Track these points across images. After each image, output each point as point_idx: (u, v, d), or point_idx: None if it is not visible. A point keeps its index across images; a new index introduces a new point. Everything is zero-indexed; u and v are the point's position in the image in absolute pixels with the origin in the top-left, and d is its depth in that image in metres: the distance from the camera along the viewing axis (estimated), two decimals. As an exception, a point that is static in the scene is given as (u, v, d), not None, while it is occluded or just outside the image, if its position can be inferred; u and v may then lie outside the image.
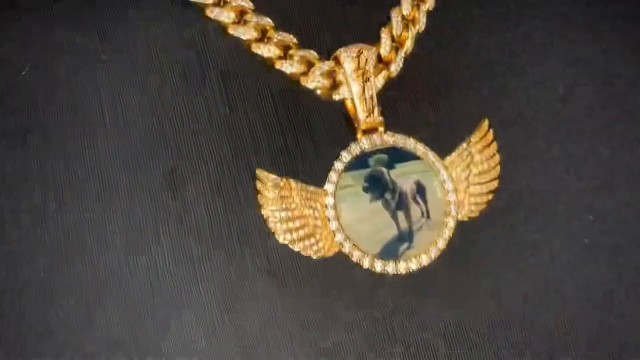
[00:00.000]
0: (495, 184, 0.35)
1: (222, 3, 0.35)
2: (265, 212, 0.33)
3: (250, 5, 0.35)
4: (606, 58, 0.37)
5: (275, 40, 0.35)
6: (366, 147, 0.34)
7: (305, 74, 0.34)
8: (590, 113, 0.37)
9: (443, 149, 0.35)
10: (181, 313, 0.34)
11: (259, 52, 0.34)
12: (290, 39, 0.35)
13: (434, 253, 0.34)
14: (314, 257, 0.33)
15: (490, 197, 0.35)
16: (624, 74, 0.37)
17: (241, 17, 0.35)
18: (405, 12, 0.35)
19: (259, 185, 0.33)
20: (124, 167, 0.34)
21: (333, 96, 0.34)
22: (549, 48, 0.37)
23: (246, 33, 0.35)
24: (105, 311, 0.34)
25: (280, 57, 0.35)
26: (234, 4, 0.35)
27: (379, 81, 0.35)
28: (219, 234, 0.34)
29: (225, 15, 0.34)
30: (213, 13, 0.35)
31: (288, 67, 0.34)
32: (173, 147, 0.35)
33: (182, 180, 0.34)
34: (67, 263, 0.34)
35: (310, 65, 0.35)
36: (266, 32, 0.35)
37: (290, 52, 0.35)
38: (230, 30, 0.34)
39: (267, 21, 0.35)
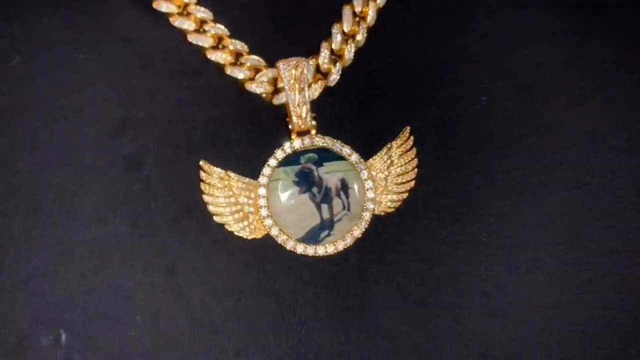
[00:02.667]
0: (411, 184, 0.40)
1: (185, 13, 0.40)
2: (206, 197, 0.39)
3: (210, 16, 0.40)
4: (529, 74, 0.42)
5: (229, 48, 0.40)
6: (298, 147, 0.39)
7: (252, 79, 0.40)
8: (507, 124, 0.42)
9: (368, 151, 0.40)
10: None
11: (213, 58, 0.40)
12: (242, 46, 0.40)
13: (349, 240, 0.39)
14: (246, 238, 0.39)
15: (405, 195, 0.40)
16: (545, 90, 0.42)
17: (201, 26, 0.40)
18: (345, 29, 0.41)
19: (202, 174, 0.39)
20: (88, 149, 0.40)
21: (273, 101, 0.40)
22: (480, 62, 0.42)
23: (204, 41, 0.40)
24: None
25: (232, 63, 0.40)
26: (197, 15, 0.40)
27: (317, 90, 0.40)
28: (169, 211, 0.40)
29: (187, 24, 0.40)
30: (176, 22, 0.40)
31: (238, 73, 0.40)
32: (133, 135, 0.40)
33: (139, 164, 0.40)
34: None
35: (257, 71, 0.40)
36: (222, 40, 0.40)
37: (241, 59, 0.40)
38: (189, 38, 0.40)
39: (224, 30, 0.40)
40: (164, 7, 0.40)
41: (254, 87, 0.40)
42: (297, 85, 0.39)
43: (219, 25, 0.40)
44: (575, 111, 0.42)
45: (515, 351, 0.40)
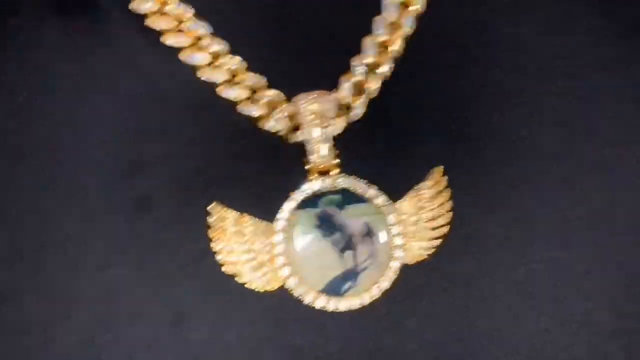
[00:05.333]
0: (445, 229, 0.36)
1: (198, 46, 0.37)
2: (216, 245, 0.35)
3: (226, 48, 0.37)
4: (573, 106, 0.38)
5: (245, 82, 0.37)
6: (318, 188, 0.36)
7: (267, 116, 0.36)
8: (551, 164, 0.38)
9: (396, 192, 0.36)
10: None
11: (225, 95, 0.36)
12: (259, 79, 0.37)
13: (375, 292, 0.35)
14: (259, 290, 0.35)
15: (438, 242, 0.36)
16: (591, 123, 0.38)
17: (215, 59, 0.37)
18: (366, 61, 0.37)
19: (213, 219, 0.35)
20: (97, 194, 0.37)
21: (290, 139, 0.36)
22: (513, 98, 0.38)
23: (218, 75, 0.37)
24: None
25: (247, 98, 0.37)
26: (211, 49, 0.37)
27: (340, 124, 0.37)
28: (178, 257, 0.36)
29: (197, 59, 0.37)
30: (185, 57, 0.37)
31: (251, 110, 0.37)
32: (143, 176, 0.37)
33: (149, 206, 0.37)
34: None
35: (274, 107, 0.37)
36: (237, 75, 0.37)
37: (257, 94, 0.37)
38: (200, 74, 0.37)
39: (240, 63, 0.37)
40: (172, 42, 0.37)
41: (271, 125, 0.36)
42: (317, 121, 0.36)
43: (234, 58, 0.37)
44: (626, 147, 0.38)
45: None
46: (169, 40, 0.36)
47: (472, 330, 0.36)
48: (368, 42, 0.37)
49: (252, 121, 0.36)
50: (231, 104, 0.37)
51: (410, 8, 0.37)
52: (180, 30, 0.37)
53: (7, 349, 0.36)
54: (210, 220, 0.35)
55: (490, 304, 0.37)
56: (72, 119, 0.37)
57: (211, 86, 0.37)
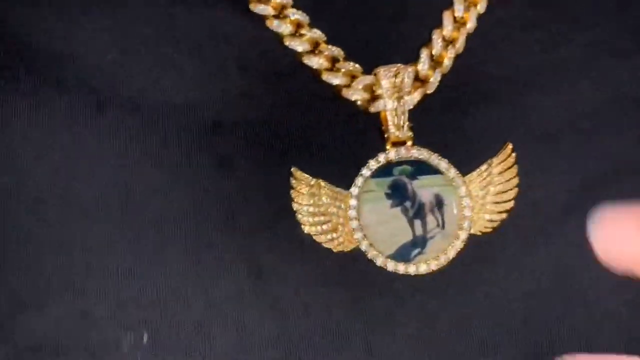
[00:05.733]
0: (511, 204, 0.38)
1: (282, 15, 0.39)
2: (295, 205, 0.37)
3: (307, 19, 0.39)
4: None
5: (325, 53, 0.38)
6: (392, 158, 0.37)
7: (347, 86, 0.38)
8: (619, 131, 0.39)
9: (467, 165, 0.38)
10: None
11: (309, 63, 0.38)
12: (338, 52, 0.38)
13: (443, 260, 0.37)
14: (334, 250, 0.37)
15: (504, 216, 0.38)
16: None
17: (297, 29, 0.39)
18: (446, 34, 0.39)
19: (293, 182, 0.37)
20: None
21: (370, 109, 0.38)
22: (582, 72, 0.40)
23: (300, 45, 0.38)
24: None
25: (327, 69, 0.38)
26: (292, 17, 0.39)
27: (415, 97, 0.38)
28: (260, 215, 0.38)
29: (282, 27, 0.38)
30: (272, 24, 0.39)
31: (334, 79, 0.38)
32: (226, 137, 0.39)
33: (232, 165, 0.39)
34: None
35: (353, 78, 0.38)
36: (318, 45, 0.39)
37: (337, 64, 0.38)
38: (286, 42, 0.38)
39: (320, 35, 0.38)
40: (260, 9, 0.38)
41: (350, 94, 0.38)
42: (396, 94, 0.37)
43: (315, 30, 0.38)
44: None
45: None
46: (258, 8, 0.38)
47: (534, 292, 0.38)
48: (447, 16, 0.38)
49: (334, 90, 0.38)
50: (313, 74, 0.38)
51: None
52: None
53: (94, 297, 0.38)
54: (292, 182, 0.37)
55: (548, 268, 0.38)
56: (156, 82, 0.39)
57: (292, 56, 0.39)
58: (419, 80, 0.39)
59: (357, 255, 0.37)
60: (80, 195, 0.38)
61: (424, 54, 0.38)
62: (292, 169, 0.37)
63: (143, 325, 0.38)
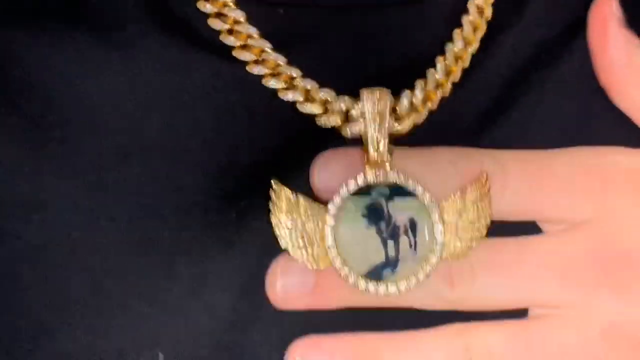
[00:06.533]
0: (483, 232, 0.39)
1: (260, 59, 0.40)
2: (274, 219, 0.38)
3: (284, 60, 0.40)
4: None
5: (299, 85, 0.40)
6: (370, 180, 0.38)
7: (324, 113, 0.40)
8: None
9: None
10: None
11: (285, 97, 0.40)
12: (312, 84, 0.40)
13: (413, 282, 0.38)
14: (308, 267, 0.38)
15: (473, 243, 0.39)
16: None
17: (275, 68, 0.40)
18: (438, 77, 0.40)
19: (272, 195, 0.38)
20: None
21: (344, 132, 0.39)
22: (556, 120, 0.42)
23: (277, 83, 0.40)
24: None
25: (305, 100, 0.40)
26: (270, 58, 0.40)
27: (406, 126, 0.39)
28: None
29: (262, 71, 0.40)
30: (253, 69, 0.40)
31: (309, 108, 0.40)
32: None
33: None
34: None
35: (327, 104, 0.40)
36: (293, 80, 0.40)
37: (311, 93, 0.40)
38: (264, 82, 0.40)
39: (296, 71, 0.40)
40: (240, 55, 0.40)
41: (324, 120, 0.40)
42: (378, 117, 0.39)
43: (290, 67, 0.40)
44: None
45: None
46: (238, 53, 0.40)
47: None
48: (439, 62, 0.40)
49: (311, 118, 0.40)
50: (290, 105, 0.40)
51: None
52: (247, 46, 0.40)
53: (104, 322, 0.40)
54: (272, 196, 0.38)
55: None
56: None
57: (270, 91, 0.40)
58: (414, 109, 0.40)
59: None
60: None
61: (419, 86, 0.40)
62: (272, 181, 0.38)
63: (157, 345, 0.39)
